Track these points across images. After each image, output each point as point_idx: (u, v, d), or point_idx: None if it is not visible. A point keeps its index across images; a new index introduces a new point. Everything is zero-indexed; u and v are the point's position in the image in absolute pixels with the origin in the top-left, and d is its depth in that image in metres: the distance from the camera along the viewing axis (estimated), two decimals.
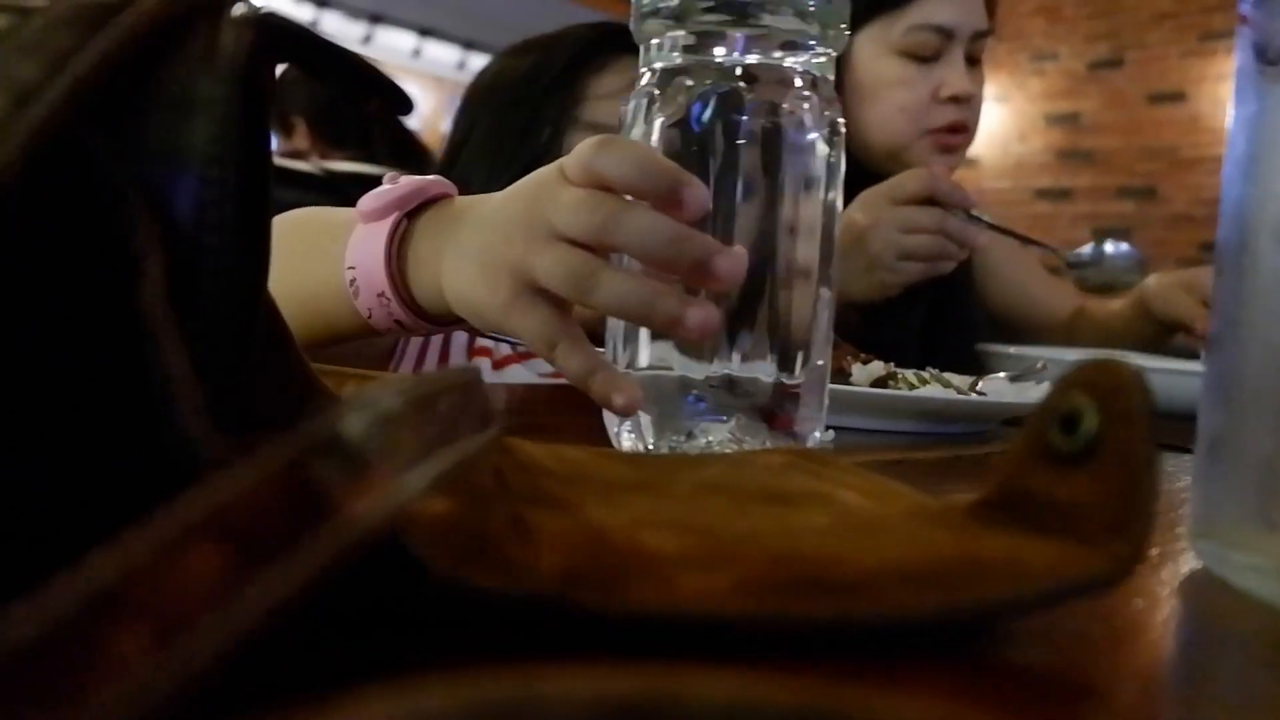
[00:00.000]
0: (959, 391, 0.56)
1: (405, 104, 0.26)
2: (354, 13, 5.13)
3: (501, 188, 0.70)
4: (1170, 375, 0.66)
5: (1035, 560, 0.19)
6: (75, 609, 0.09)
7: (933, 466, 0.43)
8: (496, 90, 0.86)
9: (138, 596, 0.10)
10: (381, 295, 0.40)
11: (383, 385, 0.16)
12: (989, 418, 0.56)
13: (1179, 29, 3.91)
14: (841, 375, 0.54)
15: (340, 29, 4.98)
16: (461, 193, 0.71)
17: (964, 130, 0.97)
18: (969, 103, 0.96)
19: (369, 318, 0.42)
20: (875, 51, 0.95)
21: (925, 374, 0.58)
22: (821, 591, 0.18)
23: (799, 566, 0.19)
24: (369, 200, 0.41)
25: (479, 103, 0.88)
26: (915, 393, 0.54)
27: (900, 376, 0.56)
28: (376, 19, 5.17)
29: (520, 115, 0.81)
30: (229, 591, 0.11)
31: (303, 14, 4.49)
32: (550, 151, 0.75)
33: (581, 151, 0.36)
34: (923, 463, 0.44)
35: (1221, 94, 3.71)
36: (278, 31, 0.21)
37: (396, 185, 0.42)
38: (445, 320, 0.41)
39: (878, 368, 0.55)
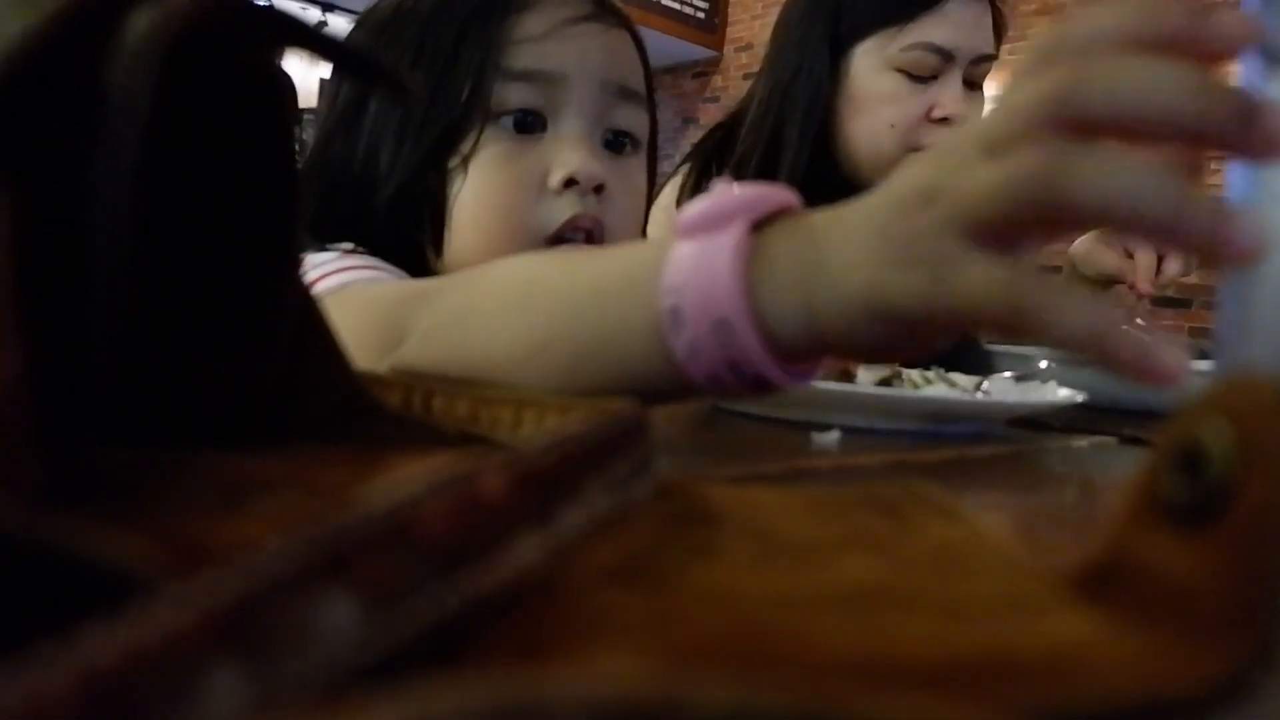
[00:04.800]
0: (964, 391, 0.57)
1: (404, 91, 0.26)
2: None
3: (418, 159, 0.61)
4: None
5: (1107, 661, 0.14)
6: None
7: (937, 467, 0.43)
8: (397, 29, 0.63)
9: None
10: (721, 323, 0.30)
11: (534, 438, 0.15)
12: (994, 417, 0.56)
13: None
14: (846, 375, 0.54)
15: (345, 30, 4.99)
16: (364, 169, 0.60)
17: None
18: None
19: (688, 358, 0.31)
20: (872, 65, 0.95)
21: (930, 374, 0.58)
22: (756, 675, 0.13)
23: (747, 641, 0.15)
24: (693, 211, 0.32)
25: (376, 45, 0.64)
26: (920, 392, 0.54)
27: (905, 376, 0.56)
28: None
29: (432, 63, 0.60)
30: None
31: (311, 16, 4.52)
32: (471, 112, 0.60)
33: (1038, 85, 0.25)
34: (927, 463, 0.44)
35: None
36: (241, 19, 0.21)
37: (728, 191, 0.32)
38: (796, 359, 0.31)
39: (883, 367, 0.55)
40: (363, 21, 0.67)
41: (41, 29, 0.18)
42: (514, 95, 0.60)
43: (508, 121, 0.60)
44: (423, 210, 0.61)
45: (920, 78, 0.94)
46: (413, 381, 0.33)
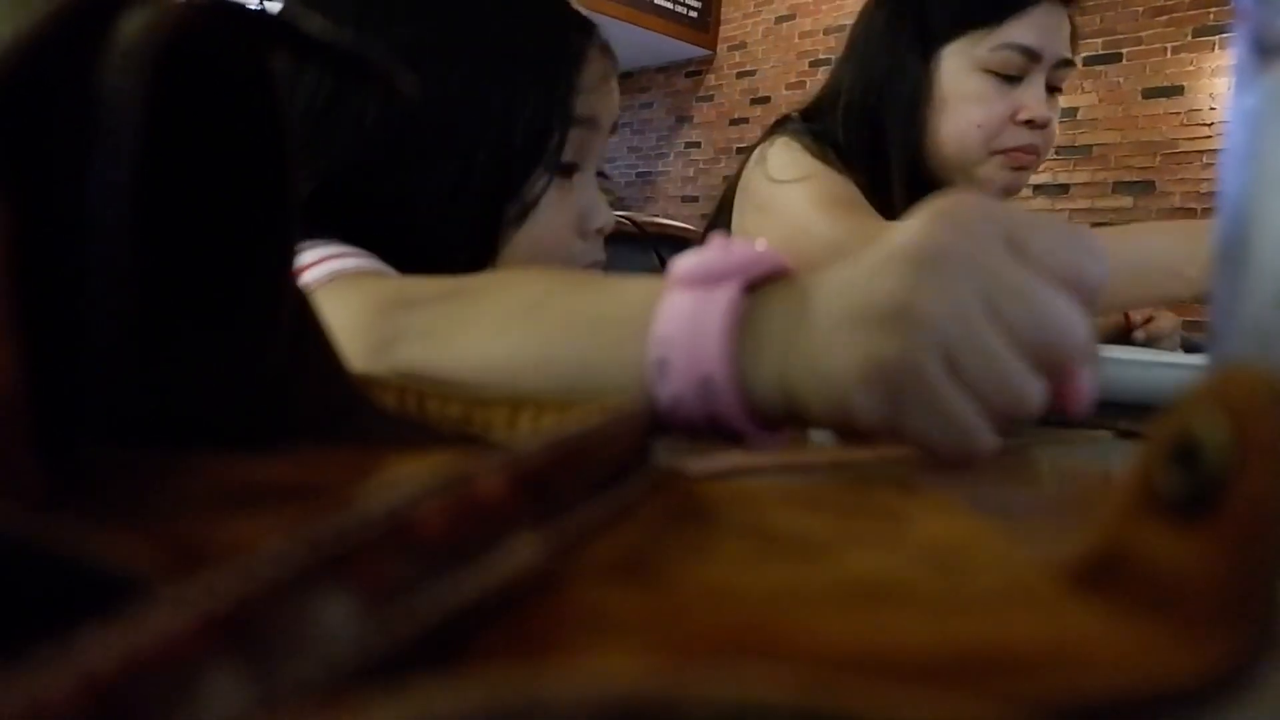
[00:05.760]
0: None
1: (399, 90, 0.26)
2: None
3: (449, 221, 0.60)
4: (1143, 367, 0.67)
5: (1105, 654, 0.14)
6: None
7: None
8: (440, 52, 0.58)
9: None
10: (706, 381, 0.31)
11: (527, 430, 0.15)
12: None
13: (1174, 23, 3.91)
14: None
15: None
16: (391, 183, 0.58)
17: (1035, 153, 0.99)
18: (1045, 128, 0.97)
19: (670, 408, 0.32)
20: (961, 66, 0.97)
21: None
22: (755, 672, 0.13)
23: (746, 637, 0.15)
24: (688, 264, 0.32)
25: (424, 44, 0.58)
26: None
27: None
28: None
29: (501, 100, 0.59)
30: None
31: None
32: (536, 157, 0.60)
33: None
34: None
35: (1218, 88, 3.71)
36: (234, 20, 0.21)
37: (726, 249, 0.32)
38: (768, 424, 0.32)
39: None
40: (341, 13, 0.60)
41: (34, 30, 0.18)
42: (569, 143, 0.61)
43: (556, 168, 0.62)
44: (462, 253, 0.60)
45: (1007, 78, 0.95)
46: (405, 383, 0.33)
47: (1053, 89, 0.98)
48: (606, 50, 0.66)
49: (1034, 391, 0.27)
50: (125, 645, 0.10)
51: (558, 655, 0.14)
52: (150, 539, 0.15)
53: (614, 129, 0.69)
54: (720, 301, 0.31)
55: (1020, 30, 0.94)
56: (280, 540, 0.12)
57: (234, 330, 0.26)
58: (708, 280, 0.32)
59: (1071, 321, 0.28)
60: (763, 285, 0.32)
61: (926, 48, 0.98)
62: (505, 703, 0.09)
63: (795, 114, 1.07)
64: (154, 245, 0.21)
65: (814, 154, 0.98)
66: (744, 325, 0.31)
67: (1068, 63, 0.98)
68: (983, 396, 0.27)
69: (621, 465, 0.22)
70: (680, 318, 0.31)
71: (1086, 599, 0.16)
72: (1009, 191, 1.00)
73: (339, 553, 0.13)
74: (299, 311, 0.27)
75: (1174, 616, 0.14)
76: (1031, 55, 0.95)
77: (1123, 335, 1.03)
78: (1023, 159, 0.98)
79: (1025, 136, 0.97)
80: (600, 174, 0.69)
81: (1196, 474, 0.15)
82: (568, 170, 0.63)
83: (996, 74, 0.95)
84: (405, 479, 0.14)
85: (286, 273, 0.26)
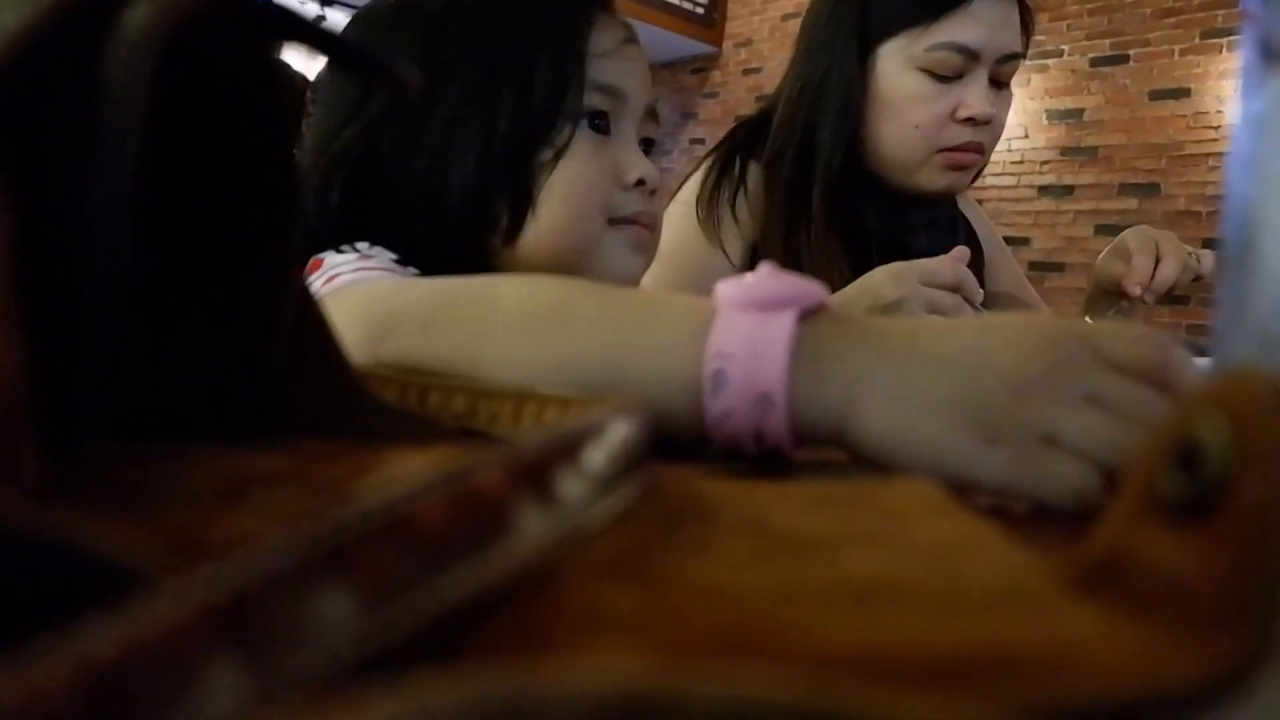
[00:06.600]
0: None
1: (405, 84, 0.26)
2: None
3: (507, 160, 0.66)
4: None
5: (1105, 656, 0.14)
6: None
7: None
8: (451, 36, 0.66)
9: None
10: (764, 398, 0.33)
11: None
12: None
13: (1182, 25, 3.90)
14: None
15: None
16: (427, 174, 0.65)
17: (979, 151, 0.96)
18: (987, 125, 0.95)
19: (717, 419, 0.34)
20: (897, 65, 0.94)
21: None
22: (754, 670, 0.12)
23: (745, 636, 0.15)
24: (743, 289, 0.35)
25: (447, 33, 0.66)
26: None
27: None
28: None
29: (510, 72, 0.65)
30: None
31: (309, 11, 4.50)
32: (558, 113, 0.65)
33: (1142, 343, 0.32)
34: None
35: (1224, 90, 3.70)
36: (239, 14, 0.21)
37: (778, 279, 0.35)
38: (809, 441, 0.35)
39: None
40: (363, 19, 0.70)
41: (37, 23, 0.18)
42: (594, 101, 0.67)
43: (586, 122, 0.68)
44: (501, 203, 0.66)
45: (945, 77, 0.93)
46: (408, 377, 0.33)
47: (999, 83, 0.95)
48: (615, 17, 0.70)
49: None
50: (125, 636, 0.10)
51: (556, 652, 0.14)
52: (151, 531, 0.15)
53: (654, 115, 0.73)
54: (782, 326, 0.33)
55: (957, 28, 0.91)
56: (280, 533, 0.12)
57: (234, 330, 0.26)
58: (766, 305, 0.34)
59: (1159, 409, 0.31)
60: (811, 316, 0.34)
61: (864, 46, 0.96)
62: (503, 698, 0.09)
63: (739, 126, 1.06)
64: (155, 243, 0.21)
65: (702, 218, 0.97)
66: (801, 351, 0.33)
67: (1015, 56, 0.95)
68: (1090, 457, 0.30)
69: (622, 462, 0.22)
70: (739, 337, 0.34)
71: (1087, 601, 0.16)
72: (951, 191, 0.98)
73: (338, 546, 0.13)
74: (301, 308, 0.27)
75: (1174, 619, 0.14)
76: (969, 54, 0.92)
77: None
78: (963, 159, 0.95)
79: (967, 134, 0.94)
80: (651, 141, 0.74)
81: (1198, 477, 0.15)
82: (600, 128, 0.68)
83: (933, 74, 0.93)
84: (405, 473, 0.14)
85: (288, 272, 0.26)
